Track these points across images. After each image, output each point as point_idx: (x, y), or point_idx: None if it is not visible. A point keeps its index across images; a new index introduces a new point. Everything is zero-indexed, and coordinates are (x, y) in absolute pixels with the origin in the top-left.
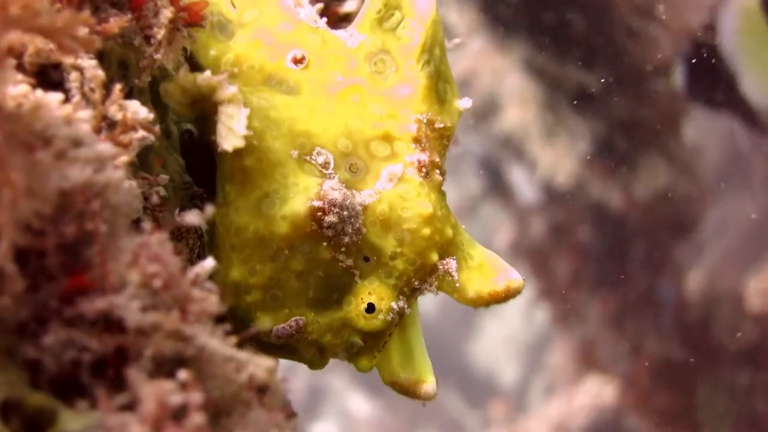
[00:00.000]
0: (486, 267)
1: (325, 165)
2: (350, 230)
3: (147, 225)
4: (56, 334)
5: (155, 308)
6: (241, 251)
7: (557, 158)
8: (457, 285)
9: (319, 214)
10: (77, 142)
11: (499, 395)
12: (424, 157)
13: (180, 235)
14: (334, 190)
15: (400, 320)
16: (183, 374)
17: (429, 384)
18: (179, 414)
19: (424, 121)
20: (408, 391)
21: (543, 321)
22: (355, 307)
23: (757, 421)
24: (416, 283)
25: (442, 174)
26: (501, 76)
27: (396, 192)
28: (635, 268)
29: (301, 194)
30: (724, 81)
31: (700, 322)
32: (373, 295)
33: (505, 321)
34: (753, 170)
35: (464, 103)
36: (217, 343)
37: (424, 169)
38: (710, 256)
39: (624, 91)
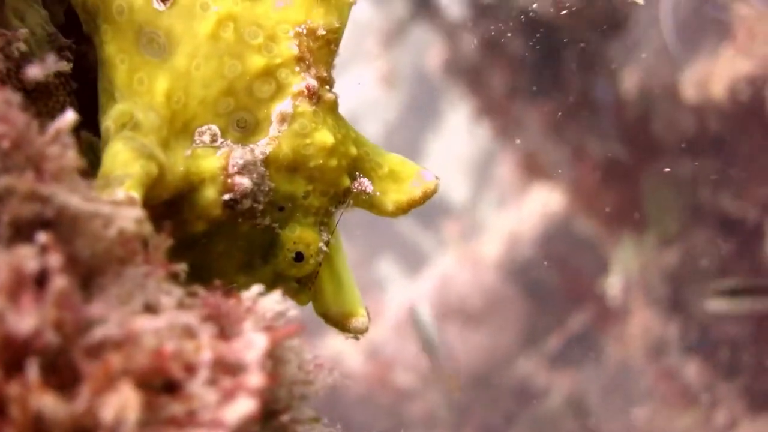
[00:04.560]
0: (396, 173)
1: (213, 138)
2: (262, 197)
3: None
4: None
5: (7, 171)
6: None
7: None
8: (374, 200)
9: (232, 203)
10: None
11: (451, 214)
12: (312, 81)
13: (49, 91)
14: (241, 176)
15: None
16: (42, 237)
17: (360, 318)
18: (44, 279)
19: (304, 32)
20: (339, 324)
21: (485, 136)
22: (283, 260)
23: (700, 209)
24: (332, 209)
25: (331, 85)
26: None
27: (292, 131)
28: (569, 73)
29: (210, 187)
30: None
31: (639, 119)
32: (299, 243)
33: (449, 140)
34: None
35: None
36: (77, 200)
37: (314, 97)
38: (644, 53)
39: None
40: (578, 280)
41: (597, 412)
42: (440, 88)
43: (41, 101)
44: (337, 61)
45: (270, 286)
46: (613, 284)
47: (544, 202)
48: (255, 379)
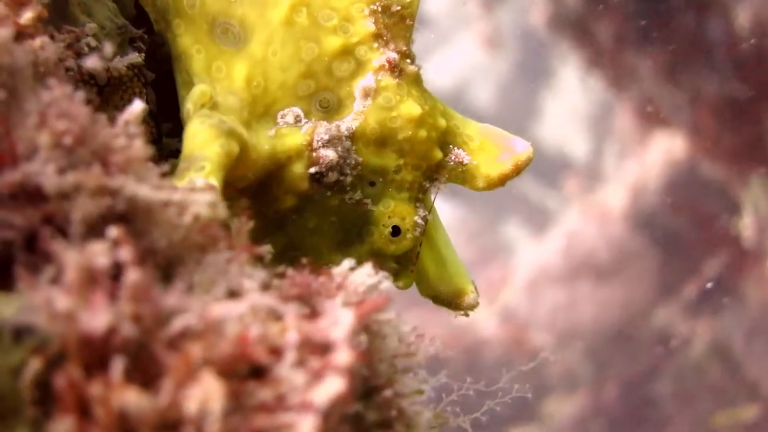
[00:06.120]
0: (488, 144)
1: (297, 119)
2: (348, 170)
3: (53, 81)
4: None
5: (73, 167)
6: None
7: None
8: (466, 174)
9: (318, 176)
10: None
11: (572, 169)
12: (393, 54)
13: (123, 84)
14: (326, 149)
15: (426, 227)
16: (113, 232)
17: (470, 296)
18: (119, 273)
19: (379, 10)
20: (450, 304)
21: (599, 88)
22: (379, 236)
23: None
24: (426, 184)
25: (413, 60)
26: None
27: (377, 105)
28: (679, 15)
29: (296, 163)
30: None
31: (755, 55)
32: (394, 217)
33: (563, 96)
34: None
35: None
36: (146, 189)
37: (396, 70)
38: None
39: None
40: (710, 225)
41: (743, 357)
42: (547, 44)
43: (116, 94)
44: (439, 30)
45: None
46: (747, 225)
47: (666, 148)
48: (343, 356)
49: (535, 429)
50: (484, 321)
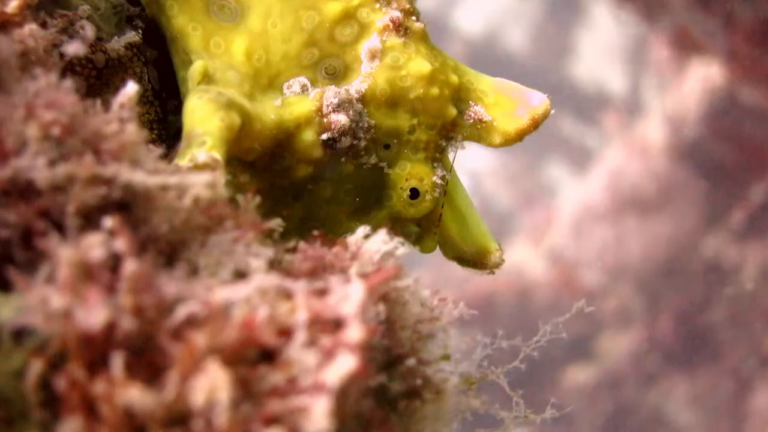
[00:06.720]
0: (503, 99)
1: (304, 89)
2: (362, 134)
3: (38, 70)
4: None
5: (64, 158)
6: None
7: None
8: (482, 131)
9: (331, 142)
10: None
11: (611, 105)
12: (396, 13)
13: (122, 65)
14: (337, 113)
15: (446, 187)
16: (108, 222)
17: (495, 254)
18: (117, 264)
19: None
20: (476, 264)
21: (632, 22)
22: (398, 200)
23: None
24: (443, 143)
25: (418, 16)
26: None
27: (385, 65)
28: None
29: (307, 130)
30: None
31: None
32: (411, 179)
33: (597, 31)
34: None
35: None
36: (142, 175)
37: (401, 28)
38: None
39: None
40: (753, 150)
41: None
42: None
43: (116, 76)
44: None
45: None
46: None
47: (704, 76)
48: (354, 332)
49: (592, 367)
50: (532, 263)
